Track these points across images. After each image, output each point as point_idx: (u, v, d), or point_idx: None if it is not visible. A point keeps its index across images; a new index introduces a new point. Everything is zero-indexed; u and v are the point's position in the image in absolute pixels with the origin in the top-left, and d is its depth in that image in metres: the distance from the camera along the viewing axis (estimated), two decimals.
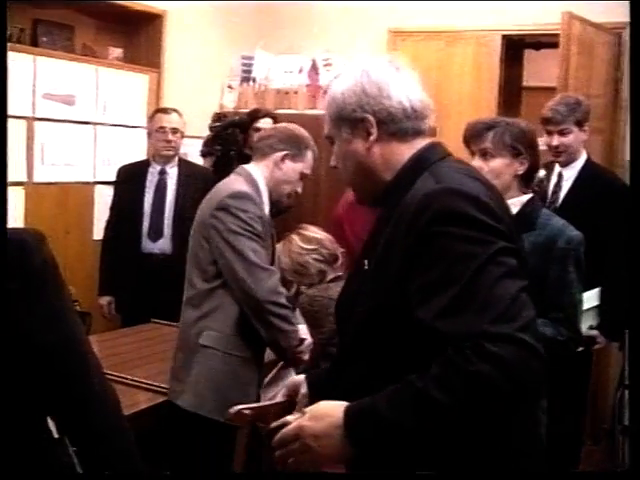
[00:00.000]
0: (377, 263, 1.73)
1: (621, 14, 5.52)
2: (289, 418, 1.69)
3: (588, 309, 3.57)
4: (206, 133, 6.13)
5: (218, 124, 5.21)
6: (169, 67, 6.00)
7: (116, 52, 5.85)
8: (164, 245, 4.87)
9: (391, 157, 1.81)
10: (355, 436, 1.56)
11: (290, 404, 2.09)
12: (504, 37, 6.00)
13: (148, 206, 4.88)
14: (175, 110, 4.99)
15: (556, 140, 4.07)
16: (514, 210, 2.86)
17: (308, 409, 1.67)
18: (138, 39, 6.02)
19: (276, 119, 5.43)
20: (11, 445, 1.53)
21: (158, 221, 4.86)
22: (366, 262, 1.80)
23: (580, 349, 3.36)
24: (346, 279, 2.03)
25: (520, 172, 2.92)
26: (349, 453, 1.58)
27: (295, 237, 3.75)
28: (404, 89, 1.81)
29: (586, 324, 3.63)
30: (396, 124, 1.80)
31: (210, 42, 6.40)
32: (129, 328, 4.45)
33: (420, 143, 1.83)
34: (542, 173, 4.16)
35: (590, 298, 3.60)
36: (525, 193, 2.97)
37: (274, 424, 1.70)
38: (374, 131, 1.80)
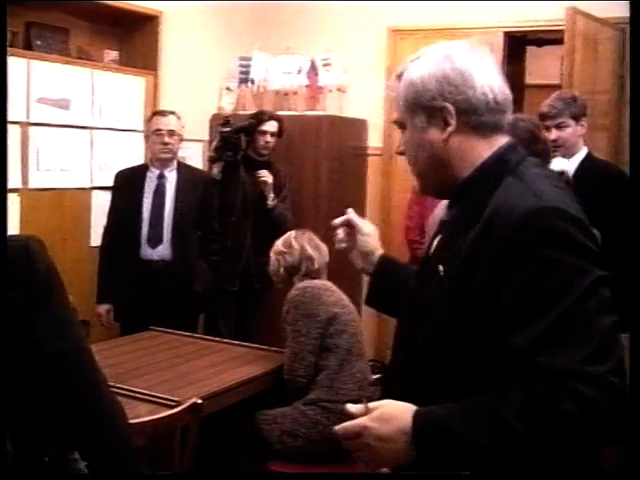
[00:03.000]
0: (459, 273, 1.63)
1: (625, 9, 5.45)
2: (352, 410, 1.65)
3: None
4: (204, 136, 6.06)
5: (228, 129, 5.11)
6: (166, 69, 5.91)
7: (111, 55, 5.76)
8: (163, 251, 4.77)
9: (469, 152, 1.70)
10: (423, 446, 1.55)
11: None
12: (506, 34, 5.91)
13: (147, 211, 4.78)
14: (172, 112, 4.90)
15: (554, 134, 4.10)
16: None
17: (373, 406, 1.62)
18: (134, 41, 5.92)
19: (282, 121, 5.38)
20: (27, 462, 1.47)
21: (157, 227, 4.77)
22: (441, 268, 1.70)
23: None
24: (415, 279, 1.90)
25: None
26: (411, 458, 1.56)
27: (282, 237, 4.04)
28: (488, 79, 1.69)
29: None
30: (478, 117, 1.69)
31: (207, 43, 6.32)
32: (128, 337, 4.36)
33: (499, 140, 1.73)
34: (563, 165, 4.11)
35: None
36: None
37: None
38: (453, 122, 1.68)
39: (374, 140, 6.44)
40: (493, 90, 1.69)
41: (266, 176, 5.21)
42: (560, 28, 5.07)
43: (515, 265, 1.51)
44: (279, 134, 5.40)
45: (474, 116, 1.69)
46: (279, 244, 3.99)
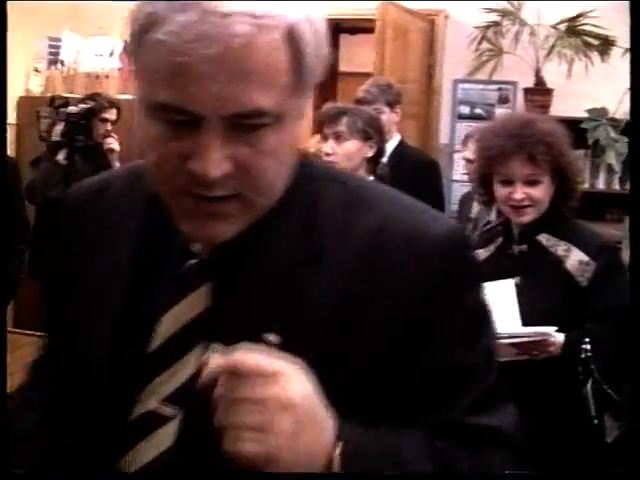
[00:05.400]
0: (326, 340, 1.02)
1: (434, 2, 5.63)
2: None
3: None
4: (10, 119, 5.81)
5: (75, 111, 4.85)
6: None
7: None
8: None
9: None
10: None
11: None
12: None
13: None
14: None
15: None
16: None
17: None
18: None
19: (120, 108, 5.20)
20: None
21: None
22: (272, 338, 0.99)
23: None
24: None
25: (369, 155, 3.14)
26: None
27: None
28: None
29: None
30: None
31: (13, 22, 5.99)
32: None
33: None
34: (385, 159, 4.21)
35: None
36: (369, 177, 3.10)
37: None
38: None
39: None
40: None
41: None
42: (373, 17, 5.17)
43: (434, 315, 1.06)
44: (117, 121, 5.21)
45: None
46: None
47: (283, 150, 1.00)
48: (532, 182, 2.48)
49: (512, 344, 2.39)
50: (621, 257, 2.64)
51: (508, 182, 2.50)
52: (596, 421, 2.33)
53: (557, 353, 2.43)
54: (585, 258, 2.46)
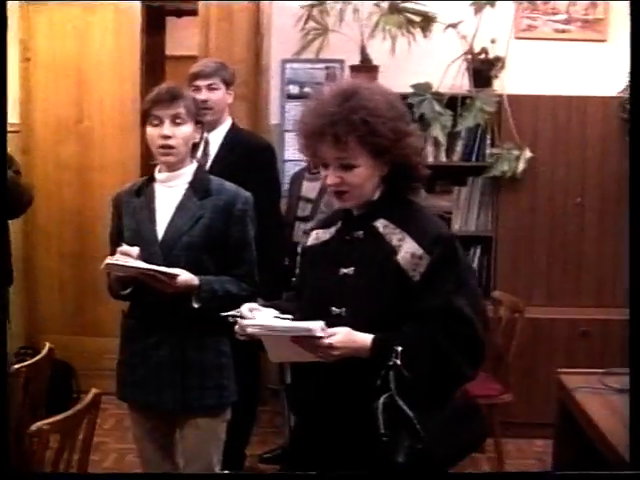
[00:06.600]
0: None
1: None
2: None
3: None
4: None
5: None
6: None
7: None
8: None
9: None
10: None
11: None
12: (144, 5, 5.85)
13: None
14: None
15: (204, 94, 4.01)
16: (187, 179, 3.04)
17: None
18: None
19: None
20: None
21: None
22: None
23: None
24: None
25: (196, 141, 3.06)
26: None
27: None
28: None
29: None
30: None
31: None
32: None
33: None
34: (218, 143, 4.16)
35: None
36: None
37: None
38: None
39: (10, 116, 6.07)
40: None
41: None
42: None
43: None
44: None
45: None
46: None
47: None
48: (346, 166, 2.22)
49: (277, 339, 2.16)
50: (459, 250, 2.26)
51: (324, 165, 2.28)
52: (385, 438, 2.06)
53: (366, 356, 2.15)
54: (418, 251, 2.18)
